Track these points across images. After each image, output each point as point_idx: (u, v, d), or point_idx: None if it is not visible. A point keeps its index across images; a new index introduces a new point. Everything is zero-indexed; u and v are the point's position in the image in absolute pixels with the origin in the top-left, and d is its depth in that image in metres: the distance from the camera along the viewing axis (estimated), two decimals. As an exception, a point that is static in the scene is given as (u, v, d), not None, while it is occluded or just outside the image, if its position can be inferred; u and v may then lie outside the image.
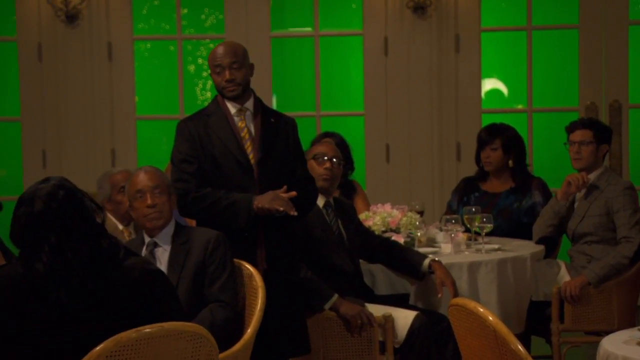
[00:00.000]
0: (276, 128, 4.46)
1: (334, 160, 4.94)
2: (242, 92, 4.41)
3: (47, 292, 3.00)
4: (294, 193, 4.30)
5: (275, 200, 4.24)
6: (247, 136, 4.40)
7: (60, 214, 3.05)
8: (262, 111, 4.48)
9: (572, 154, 5.44)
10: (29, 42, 7.51)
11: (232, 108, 4.43)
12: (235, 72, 4.39)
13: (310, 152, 5.02)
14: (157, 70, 8.22)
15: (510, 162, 5.92)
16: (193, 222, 5.47)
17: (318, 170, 4.88)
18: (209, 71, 4.50)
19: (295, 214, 4.27)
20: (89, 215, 3.10)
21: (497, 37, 7.96)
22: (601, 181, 5.41)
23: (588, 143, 5.41)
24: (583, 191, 5.46)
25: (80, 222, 3.07)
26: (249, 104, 4.44)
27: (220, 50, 4.43)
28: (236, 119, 4.42)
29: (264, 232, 4.35)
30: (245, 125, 4.41)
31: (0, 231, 4.47)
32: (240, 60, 4.40)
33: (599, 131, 5.45)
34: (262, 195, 4.27)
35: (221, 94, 4.44)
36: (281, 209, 4.23)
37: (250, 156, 4.37)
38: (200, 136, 4.38)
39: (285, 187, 4.32)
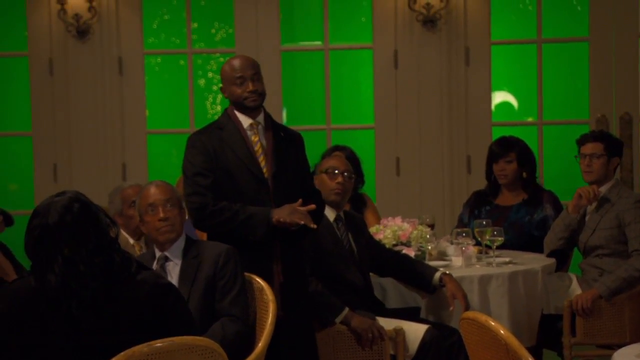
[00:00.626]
0: (287, 142, 4.48)
1: (345, 174, 4.94)
2: (262, 103, 4.44)
3: (59, 304, 3.01)
4: (313, 206, 4.31)
5: (294, 213, 4.25)
6: (260, 150, 4.41)
7: (74, 226, 3.06)
8: (272, 125, 4.49)
9: (583, 166, 5.43)
10: (40, 57, 7.54)
11: (244, 122, 4.43)
12: (257, 83, 4.42)
13: (322, 166, 5.02)
14: (167, 84, 8.24)
15: (525, 174, 5.92)
16: (204, 236, 5.49)
17: (330, 184, 4.88)
18: (220, 85, 4.50)
19: (314, 226, 4.28)
20: (103, 229, 3.11)
21: (507, 50, 7.96)
22: (612, 194, 5.40)
23: (599, 156, 5.41)
24: (594, 204, 5.45)
25: (93, 236, 3.08)
26: (260, 118, 4.45)
27: (240, 62, 4.44)
28: (249, 132, 4.43)
29: (279, 245, 4.35)
30: (258, 139, 4.42)
31: (13, 246, 4.49)
32: (259, 72, 4.46)
33: (610, 144, 5.44)
34: (281, 209, 4.27)
35: (241, 105, 4.42)
36: (301, 222, 4.24)
37: (264, 170, 4.38)
38: (214, 149, 4.37)
39: (300, 200, 4.32)
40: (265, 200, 4.33)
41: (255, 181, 4.36)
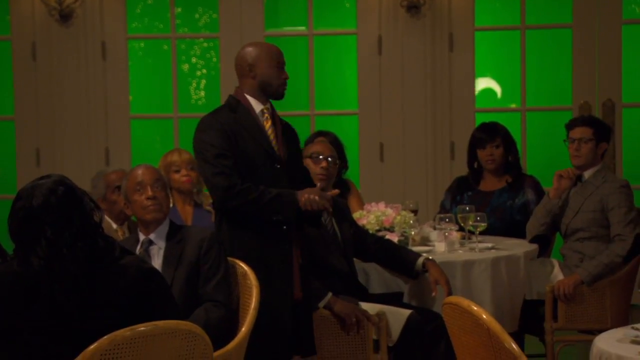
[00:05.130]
0: (288, 130, 4.52)
1: (330, 159, 4.95)
2: None
3: (42, 288, 3.01)
4: (337, 191, 4.44)
5: (323, 197, 4.30)
6: (272, 135, 4.41)
7: (58, 209, 3.06)
8: (275, 114, 4.51)
9: (572, 150, 5.45)
10: (23, 41, 7.50)
11: (256, 107, 4.41)
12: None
13: (306, 151, 5.03)
14: (150, 69, 8.22)
15: (510, 157, 5.95)
16: (189, 221, 5.49)
17: (314, 169, 4.90)
18: (248, 62, 4.39)
19: (331, 210, 4.44)
20: (87, 213, 3.11)
21: (490, 36, 7.97)
22: (597, 178, 5.43)
23: (587, 140, 5.42)
24: (578, 186, 5.47)
25: (77, 219, 3.08)
26: (269, 105, 4.46)
27: (279, 50, 4.46)
28: (261, 118, 4.42)
29: (296, 228, 4.40)
30: (270, 125, 4.42)
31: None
32: None
33: (599, 129, 5.46)
34: (307, 191, 4.31)
35: (268, 89, 4.40)
36: (329, 206, 4.32)
37: (279, 154, 4.40)
38: (232, 131, 4.33)
39: (319, 184, 4.47)
40: (281, 184, 4.36)
41: (272, 164, 4.37)
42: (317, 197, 4.27)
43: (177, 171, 5.59)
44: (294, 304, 4.36)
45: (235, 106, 4.39)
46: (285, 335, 4.35)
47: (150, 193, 4.14)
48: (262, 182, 4.32)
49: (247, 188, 4.28)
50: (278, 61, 4.42)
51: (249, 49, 4.44)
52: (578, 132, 5.44)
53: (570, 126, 5.50)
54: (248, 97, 4.41)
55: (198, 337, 3.02)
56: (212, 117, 4.39)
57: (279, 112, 4.57)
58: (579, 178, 5.49)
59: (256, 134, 4.36)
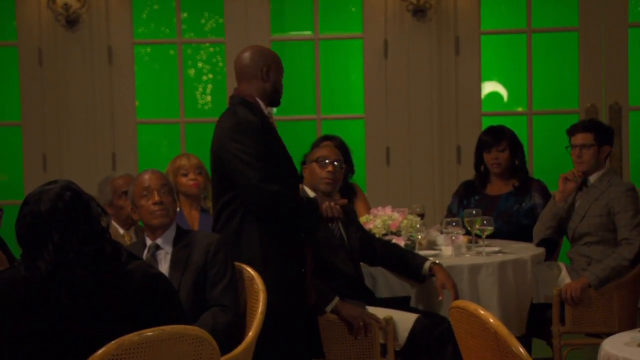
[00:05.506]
0: None
1: (336, 163, 4.94)
2: None
3: (49, 292, 3.01)
4: (344, 201, 4.48)
5: (336, 206, 4.34)
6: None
7: (65, 214, 3.06)
8: None
9: (574, 157, 5.44)
10: (30, 47, 7.52)
11: (264, 110, 4.38)
12: None
13: (312, 155, 5.01)
14: (157, 74, 8.23)
15: (517, 161, 5.95)
16: (195, 226, 5.50)
17: (320, 173, 4.88)
18: (263, 67, 4.34)
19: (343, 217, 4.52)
20: (94, 218, 3.11)
21: (496, 40, 7.96)
22: (603, 182, 5.42)
23: (589, 146, 5.41)
24: (584, 190, 5.46)
25: (84, 224, 3.08)
26: (270, 109, 4.47)
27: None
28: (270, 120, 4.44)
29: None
30: (276, 127, 4.45)
31: (6, 237, 4.49)
32: None
33: (600, 133, 5.45)
34: (322, 198, 4.39)
35: (273, 96, 4.39)
36: (341, 215, 4.38)
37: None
38: (265, 132, 4.29)
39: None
40: (297, 187, 4.42)
41: (294, 169, 4.40)
42: (337, 205, 4.30)
43: (185, 175, 5.59)
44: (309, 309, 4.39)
45: (250, 107, 4.32)
46: (305, 340, 4.37)
47: (157, 198, 4.14)
48: (292, 186, 4.34)
49: (292, 194, 4.30)
50: (283, 69, 4.43)
51: (264, 51, 4.40)
52: (579, 138, 5.43)
53: (571, 132, 5.49)
54: (257, 99, 4.37)
55: (205, 342, 3.02)
56: (246, 120, 4.25)
57: (287, 117, 4.58)
58: (584, 182, 5.48)
59: (276, 136, 4.36)
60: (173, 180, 5.58)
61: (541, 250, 5.44)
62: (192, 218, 5.59)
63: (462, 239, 5.31)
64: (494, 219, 5.36)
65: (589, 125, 5.51)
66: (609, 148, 5.47)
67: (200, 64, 8.36)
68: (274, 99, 4.40)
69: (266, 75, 4.34)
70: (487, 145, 5.95)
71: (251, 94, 4.35)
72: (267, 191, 4.18)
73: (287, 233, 4.31)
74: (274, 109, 4.48)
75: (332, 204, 4.30)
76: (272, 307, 3.96)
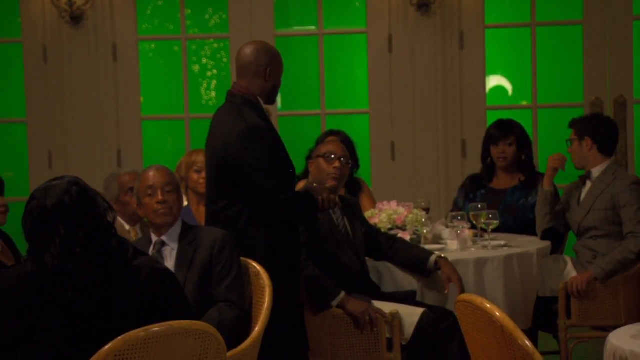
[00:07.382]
0: None
1: (342, 159, 4.93)
2: None
3: (55, 287, 3.02)
4: (335, 197, 4.47)
5: (333, 197, 4.36)
6: None
7: (72, 208, 3.07)
8: None
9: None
10: (34, 44, 7.53)
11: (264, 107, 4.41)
12: None
13: (318, 150, 5.00)
14: (161, 70, 8.23)
15: (523, 156, 5.95)
16: (202, 222, 5.50)
17: (327, 169, 4.88)
18: (265, 65, 4.32)
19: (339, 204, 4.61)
20: (100, 214, 3.12)
21: (501, 34, 7.95)
22: (608, 175, 5.42)
23: (572, 140, 5.52)
24: (589, 185, 5.47)
25: (91, 219, 3.09)
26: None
27: None
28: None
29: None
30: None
31: (12, 234, 4.50)
32: None
33: (580, 126, 5.52)
34: (316, 191, 4.34)
35: (270, 96, 4.37)
36: (339, 204, 4.45)
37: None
38: (274, 137, 4.30)
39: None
40: (295, 186, 4.43)
41: (292, 167, 4.40)
42: (332, 196, 4.30)
43: (198, 172, 5.58)
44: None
45: (255, 108, 4.29)
46: (305, 335, 4.39)
47: (160, 197, 4.14)
48: (292, 190, 4.35)
49: (296, 198, 4.31)
50: (283, 67, 4.42)
51: (268, 49, 4.38)
52: (569, 134, 5.51)
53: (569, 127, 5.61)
54: (259, 98, 4.37)
55: (212, 337, 3.03)
56: (257, 126, 4.22)
57: (292, 112, 4.58)
58: (587, 176, 5.50)
59: (278, 137, 4.36)
60: (185, 174, 5.58)
61: (547, 243, 5.44)
62: (200, 214, 5.59)
63: (468, 233, 5.31)
64: (500, 213, 5.36)
65: (572, 121, 5.62)
66: (589, 140, 5.46)
67: (204, 60, 8.36)
68: (271, 98, 4.39)
69: (269, 74, 4.33)
70: (494, 139, 5.96)
71: (253, 93, 4.33)
72: (278, 200, 4.20)
73: (290, 233, 4.32)
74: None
75: (326, 195, 4.30)
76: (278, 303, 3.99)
